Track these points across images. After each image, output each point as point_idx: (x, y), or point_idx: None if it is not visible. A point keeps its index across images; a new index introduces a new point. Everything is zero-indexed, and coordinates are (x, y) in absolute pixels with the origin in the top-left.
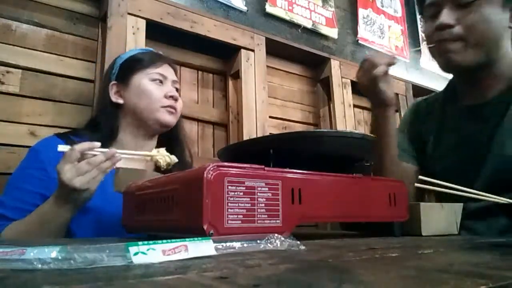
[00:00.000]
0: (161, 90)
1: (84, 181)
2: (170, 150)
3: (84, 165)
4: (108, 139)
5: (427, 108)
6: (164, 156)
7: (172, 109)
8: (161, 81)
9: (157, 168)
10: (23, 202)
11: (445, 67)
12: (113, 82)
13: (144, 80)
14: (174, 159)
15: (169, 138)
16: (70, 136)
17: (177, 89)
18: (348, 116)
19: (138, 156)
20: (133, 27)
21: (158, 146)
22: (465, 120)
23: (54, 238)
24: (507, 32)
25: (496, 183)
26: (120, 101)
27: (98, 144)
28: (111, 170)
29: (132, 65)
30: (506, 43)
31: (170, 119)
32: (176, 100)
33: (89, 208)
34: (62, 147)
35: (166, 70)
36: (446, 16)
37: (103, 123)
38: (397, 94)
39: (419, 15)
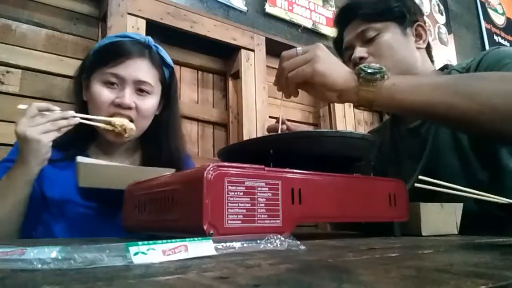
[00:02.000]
0: (110, 95)
1: (35, 131)
2: (156, 150)
3: (39, 118)
4: (86, 140)
5: (380, 136)
6: (123, 122)
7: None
8: (116, 84)
9: (144, 162)
10: None
11: None
12: (84, 76)
13: (96, 82)
14: (132, 126)
15: (153, 134)
16: None
17: (146, 91)
18: (348, 116)
19: (97, 123)
20: (133, 27)
21: (144, 149)
22: (411, 141)
23: (19, 203)
24: (420, 52)
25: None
26: (85, 99)
27: (57, 108)
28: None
29: (92, 62)
30: (422, 62)
31: (110, 137)
32: (129, 108)
33: (64, 207)
34: (22, 106)
35: (127, 68)
36: (358, 52)
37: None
38: None
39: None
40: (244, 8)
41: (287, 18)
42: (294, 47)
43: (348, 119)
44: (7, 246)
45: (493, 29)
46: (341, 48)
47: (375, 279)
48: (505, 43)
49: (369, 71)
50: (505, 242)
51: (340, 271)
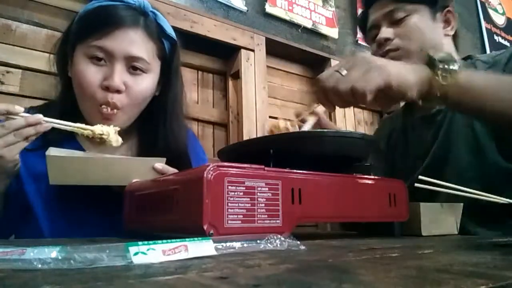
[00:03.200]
0: (98, 74)
1: None
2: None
3: None
4: (73, 120)
5: (391, 124)
6: (103, 132)
7: (111, 110)
8: (103, 59)
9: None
10: None
11: None
12: (68, 47)
13: (80, 56)
14: (114, 140)
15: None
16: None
17: (140, 70)
18: (348, 116)
19: (73, 128)
20: None
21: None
22: (423, 129)
23: None
24: (447, 39)
25: (459, 181)
26: (70, 75)
27: (21, 109)
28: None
29: (76, 31)
30: (449, 50)
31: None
32: (118, 91)
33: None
34: None
35: (117, 40)
36: (384, 32)
37: (62, 102)
38: None
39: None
40: (244, 8)
41: (287, 18)
42: (294, 47)
43: (348, 119)
44: (7, 246)
45: (493, 29)
46: (365, 27)
47: (375, 279)
48: (505, 43)
49: (444, 58)
50: (505, 242)
51: (340, 271)
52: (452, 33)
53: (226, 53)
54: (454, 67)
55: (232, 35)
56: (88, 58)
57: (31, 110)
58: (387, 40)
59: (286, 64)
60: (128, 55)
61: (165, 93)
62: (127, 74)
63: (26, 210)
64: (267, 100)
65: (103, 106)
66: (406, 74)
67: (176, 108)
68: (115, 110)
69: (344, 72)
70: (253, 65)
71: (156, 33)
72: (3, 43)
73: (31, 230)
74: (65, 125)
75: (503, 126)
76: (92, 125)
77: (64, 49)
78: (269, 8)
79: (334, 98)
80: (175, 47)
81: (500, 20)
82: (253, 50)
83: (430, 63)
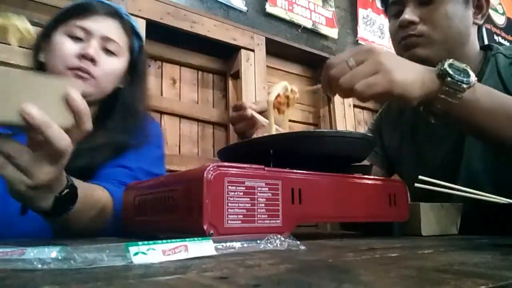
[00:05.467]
0: (75, 47)
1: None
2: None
3: None
4: None
5: (399, 108)
6: (17, 27)
7: (83, 73)
8: (82, 39)
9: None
10: None
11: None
12: (44, 38)
13: (59, 35)
14: (30, 31)
15: (110, 108)
16: None
17: (112, 52)
18: (348, 116)
19: None
20: None
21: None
22: (438, 123)
23: None
24: (473, 28)
25: (471, 185)
26: (43, 60)
27: None
28: None
29: (56, 17)
30: (472, 40)
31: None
32: (92, 61)
33: None
34: None
35: (96, 22)
36: (410, 13)
37: None
38: None
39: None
40: (244, 8)
41: (287, 18)
42: (294, 47)
43: (348, 119)
44: (7, 246)
45: (493, 29)
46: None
47: (375, 279)
48: (505, 43)
49: (456, 77)
50: (505, 242)
51: (340, 271)
52: (481, 22)
53: (226, 53)
54: (465, 84)
55: (232, 35)
56: (68, 35)
57: None
58: (411, 23)
59: (286, 64)
60: (104, 35)
61: (129, 89)
62: (102, 52)
63: None
64: None
65: (75, 72)
66: (411, 85)
67: (139, 104)
68: (87, 75)
69: (351, 63)
70: (253, 65)
71: (129, 30)
72: (3, 43)
73: None
74: None
75: (498, 148)
76: None
77: (40, 40)
78: (269, 8)
79: (335, 88)
80: (142, 49)
81: (500, 20)
82: (253, 50)
83: (443, 75)
